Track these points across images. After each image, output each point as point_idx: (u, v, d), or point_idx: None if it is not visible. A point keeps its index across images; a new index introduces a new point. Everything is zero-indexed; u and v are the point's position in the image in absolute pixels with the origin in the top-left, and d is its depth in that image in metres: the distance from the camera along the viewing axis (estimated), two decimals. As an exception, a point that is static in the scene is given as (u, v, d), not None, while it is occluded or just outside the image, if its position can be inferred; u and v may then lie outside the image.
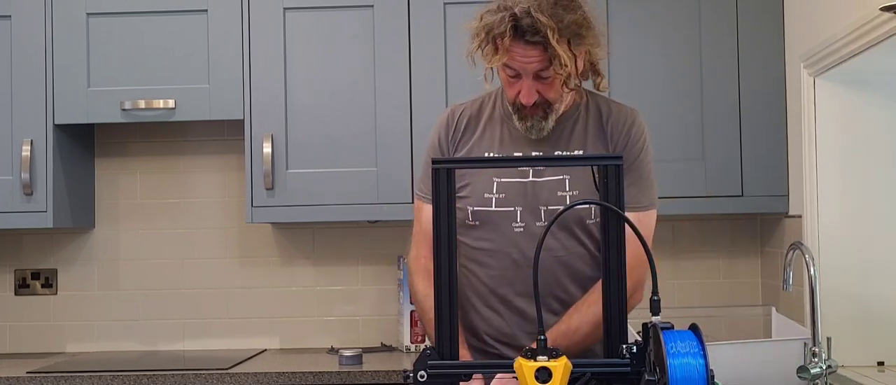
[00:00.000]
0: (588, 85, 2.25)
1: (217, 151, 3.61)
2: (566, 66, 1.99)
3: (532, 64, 2.03)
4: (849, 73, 2.71)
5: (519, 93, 2.09)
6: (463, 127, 2.24)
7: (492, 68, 2.07)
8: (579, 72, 2.12)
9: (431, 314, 2.15)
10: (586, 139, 2.18)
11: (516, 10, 1.99)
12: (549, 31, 1.96)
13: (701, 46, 3.16)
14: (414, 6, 3.20)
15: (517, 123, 2.15)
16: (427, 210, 2.21)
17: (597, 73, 2.18)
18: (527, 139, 2.17)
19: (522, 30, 1.99)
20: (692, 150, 3.15)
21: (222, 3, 3.24)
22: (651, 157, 2.19)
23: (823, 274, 2.72)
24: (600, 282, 2.10)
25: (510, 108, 2.16)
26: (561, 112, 2.16)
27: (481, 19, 2.05)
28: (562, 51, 1.98)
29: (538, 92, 2.08)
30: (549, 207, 2.13)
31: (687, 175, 3.14)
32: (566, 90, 2.08)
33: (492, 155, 2.19)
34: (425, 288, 2.19)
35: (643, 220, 2.10)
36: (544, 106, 2.11)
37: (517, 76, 2.08)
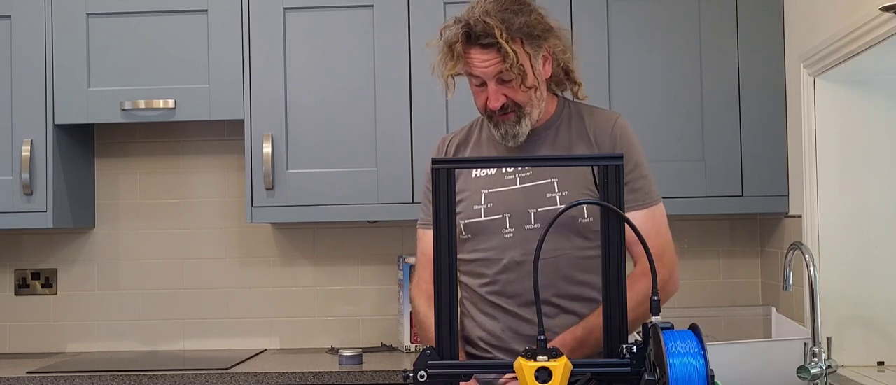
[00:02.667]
0: (568, 95, 2.32)
1: (217, 151, 3.61)
2: (520, 63, 2.09)
3: (489, 67, 2.12)
4: (849, 73, 2.71)
5: (487, 100, 2.17)
6: (453, 152, 2.32)
7: (452, 77, 2.18)
8: (547, 74, 2.20)
9: (433, 333, 2.17)
10: (571, 143, 2.22)
11: (470, 19, 2.11)
12: (496, 31, 2.07)
13: (701, 46, 3.16)
14: (414, 6, 3.20)
15: (493, 132, 2.22)
16: (427, 237, 2.27)
17: (574, 81, 2.27)
18: (512, 155, 2.23)
19: (476, 35, 2.10)
20: (692, 150, 3.15)
21: (222, 3, 3.24)
22: (642, 152, 2.24)
23: (823, 274, 2.72)
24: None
25: (486, 119, 2.24)
26: (539, 119, 2.22)
27: (441, 35, 2.17)
28: (512, 49, 2.08)
29: (505, 95, 2.15)
30: (539, 210, 2.16)
31: (687, 175, 3.14)
32: (524, 89, 2.14)
33: (483, 174, 2.24)
34: (426, 309, 2.24)
35: (656, 214, 2.18)
36: (516, 110, 2.17)
37: (483, 84, 2.17)
